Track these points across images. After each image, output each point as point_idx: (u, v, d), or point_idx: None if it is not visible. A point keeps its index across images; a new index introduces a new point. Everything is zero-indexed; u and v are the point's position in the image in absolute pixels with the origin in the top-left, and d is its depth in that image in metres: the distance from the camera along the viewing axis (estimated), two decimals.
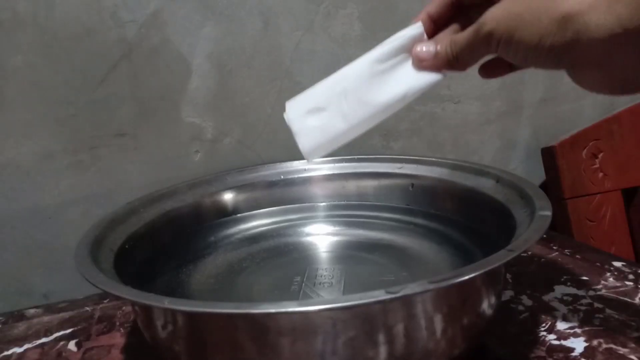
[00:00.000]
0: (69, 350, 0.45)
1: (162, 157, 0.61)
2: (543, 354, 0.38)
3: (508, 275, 0.50)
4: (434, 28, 0.35)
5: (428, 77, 0.34)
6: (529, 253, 0.55)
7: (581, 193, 0.74)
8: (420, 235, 0.51)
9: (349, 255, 0.49)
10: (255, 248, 0.51)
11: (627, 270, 0.50)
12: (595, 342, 0.39)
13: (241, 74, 0.62)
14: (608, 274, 0.49)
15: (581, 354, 0.38)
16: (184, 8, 0.58)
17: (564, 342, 0.39)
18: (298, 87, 0.64)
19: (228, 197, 0.57)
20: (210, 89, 0.61)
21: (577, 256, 0.54)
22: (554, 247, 0.56)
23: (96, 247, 0.40)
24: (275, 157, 0.64)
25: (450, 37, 0.32)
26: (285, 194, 0.58)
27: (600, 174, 0.75)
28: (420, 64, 0.34)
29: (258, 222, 0.56)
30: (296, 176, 0.59)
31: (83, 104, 0.57)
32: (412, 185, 0.55)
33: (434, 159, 0.54)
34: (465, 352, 0.35)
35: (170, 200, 0.52)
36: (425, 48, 0.33)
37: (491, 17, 0.28)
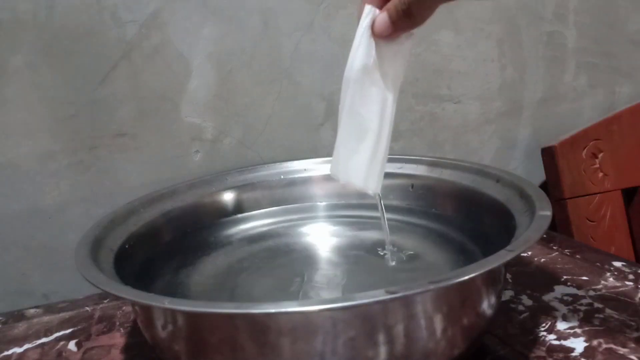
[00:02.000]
0: (69, 350, 0.45)
1: (162, 157, 0.61)
2: (543, 354, 0.38)
3: (508, 275, 0.50)
4: (383, 1, 0.35)
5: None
6: (529, 253, 0.55)
7: (581, 193, 0.74)
8: (420, 235, 0.51)
9: (349, 255, 0.49)
10: (255, 248, 0.51)
11: (627, 270, 0.50)
12: (595, 342, 0.39)
13: (241, 74, 0.62)
14: (608, 274, 0.49)
15: (581, 354, 0.38)
16: (184, 8, 0.58)
17: (564, 342, 0.39)
18: (298, 87, 0.64)
19: (228, 197, 0.57)
20: (210, 89, 0.61)
21: (577, 256, 0.54)
22: (554, 247, 0.56)
23: (96, 247, 0.40)
24: (275, 157, 0.64)
25: None
26: (285, 194, 0.58)
27: (600, 174, 0.75)
28: (382, 37, 0.34)
29: (258, 222, 0.56)
30: (296, 176, 0.59)
31: (83, 104, 0.57)
32: (412, 185, 0.55)
33: (434, 159, 0.54)
34: (465, 352, 0.35)
35: (170, 200, 0.52)
36: (379, 20, 0.34)
37: None
